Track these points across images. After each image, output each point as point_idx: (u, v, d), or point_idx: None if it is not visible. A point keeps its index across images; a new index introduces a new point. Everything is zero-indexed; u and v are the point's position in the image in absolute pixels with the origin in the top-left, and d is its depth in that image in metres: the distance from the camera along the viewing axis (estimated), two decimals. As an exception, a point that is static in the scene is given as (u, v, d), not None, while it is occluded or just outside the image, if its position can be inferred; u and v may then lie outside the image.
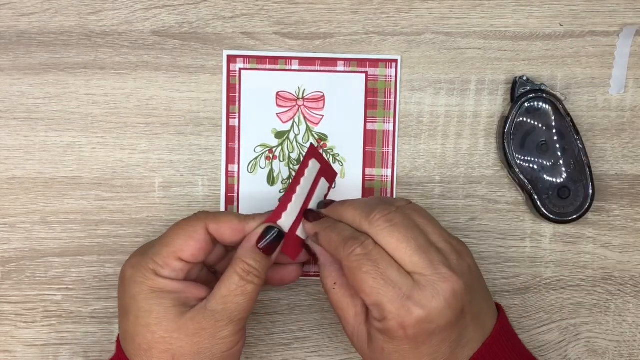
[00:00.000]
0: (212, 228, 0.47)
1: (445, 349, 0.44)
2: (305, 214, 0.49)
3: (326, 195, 0.52)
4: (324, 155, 0.54)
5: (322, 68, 0.54)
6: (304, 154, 0.55)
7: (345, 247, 0.44)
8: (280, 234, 0.47)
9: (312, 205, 0.50)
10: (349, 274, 0.44)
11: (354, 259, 0.44)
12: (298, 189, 0.48)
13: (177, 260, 0.46)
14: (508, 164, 0.54)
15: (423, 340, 0.43)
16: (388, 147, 0.55)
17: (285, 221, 0.48)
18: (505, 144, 0.53)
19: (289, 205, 0.48)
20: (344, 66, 0.54)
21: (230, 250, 0.50)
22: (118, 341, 0.48)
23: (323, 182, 0.51)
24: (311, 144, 0.54)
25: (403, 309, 0.42)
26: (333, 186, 0.54)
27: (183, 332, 0.45)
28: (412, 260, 0.43)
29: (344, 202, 0.48)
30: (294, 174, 0.54)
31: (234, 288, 0.45)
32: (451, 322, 0.43)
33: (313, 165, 0.50)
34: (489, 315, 0.47)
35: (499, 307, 0.48)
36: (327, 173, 0.52)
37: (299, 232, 0.49)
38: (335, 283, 0.47)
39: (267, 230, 0.47)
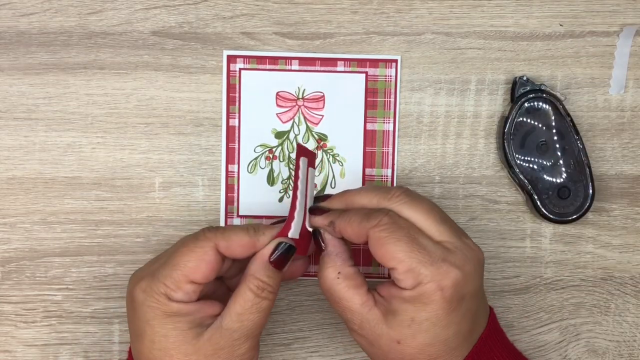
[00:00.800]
0: (222, 247, 0.46)
1: (469, 320, 0.45)
2: (312, 210, 0.49)
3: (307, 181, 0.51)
4: (308, 147, 0.53)
5: (322, 68, 0.54)
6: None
7: (370, 219, 0.44)
8: (291, 247, 0.47)
9: (311, 195, 0.50)
10: (378, 245, 0.44)
11: (383, 228, 0.44)
12: (299, 193, 0.48)
13: (189, 283, 0.45)
14: (508, 164, 0.54)
15: (455, 306, 0.43)
16: (388, 147, 0.55)
17: (295, 230, 0.48)
18: (505, 144, 0.53)
19: (296, 213, 0.48)
20: (344, 66, 0.54)
21: (240, 261, 0.49)
22: (130, 355, 0.47)
23: (311, 171, 0.50)
24: (298, 143, 0.54)
25: (439, 271, 0.43)
26: (316, 168, 0.54)
27: (202, 354, 0.45)
28: (439, 229, 0.44)
29: (350, 190, 0.48)
30: (294, 173, 0.54)
31: (249, 306, 0.45)
32: (476, 291, 0.45)
33: (303, 164, 0.49)
34: (487, 304, 0.49)
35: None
36: (311, 160, 0.51)
37: (307, 226, 0.49)
38: (339, 273, 0.46)
39: (279, 244, 0.47)
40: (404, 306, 0.44)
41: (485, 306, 0.48)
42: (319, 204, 0.49)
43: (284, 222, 0.48)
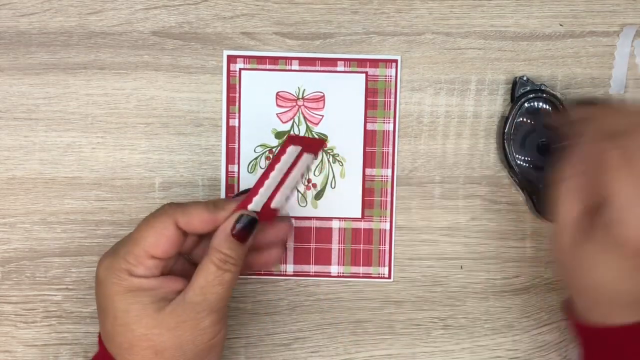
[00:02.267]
0: (182, 222, 0.46)
1: None
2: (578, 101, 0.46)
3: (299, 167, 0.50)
4: (308, 135, 0.53)
5: (322, 68, 0.54)
6: (304, 154, 0.55)
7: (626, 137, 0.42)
8: (253, 220, 0.46)
9: (290, 182, 0.49)
10: (619, 164, 0.42)
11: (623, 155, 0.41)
12: (271, 175, 0.47)
13: (150, 258, 0.45)
14: (508, 164, 0.53)
15: None
16: (388, 147, 0.55)
17: (255, 205, 0.47)
18: (505, 144, 0.53)
19: (260, 190, 0.47)
20: (344, 66, 0.54)
21: (204, 237, 0.48)
22: (100, 339, 0.48)
23: (306, 156, 0.50)
24: (289, 134, 0.54)
25: None
26: (319, 156, 0.54)
27: (164, 327, 0.44)
28: None
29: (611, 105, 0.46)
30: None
31: (211, 278, 0.45)
32: None
33: (291, 151, 0.48)
34: None
35: None
36: (312, 147, 0.51)
37: (274, 205, 0.48)
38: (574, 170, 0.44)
39: (240, 217, 0.46)
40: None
41: None
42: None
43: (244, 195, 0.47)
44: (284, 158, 0.48)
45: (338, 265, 0.55)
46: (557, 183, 0.45)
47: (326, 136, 0.55)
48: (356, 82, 0.54)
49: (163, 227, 0.45)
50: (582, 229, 0.44)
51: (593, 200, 0.43)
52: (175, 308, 0.45)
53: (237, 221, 0.46)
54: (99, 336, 0.48)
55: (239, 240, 0.46)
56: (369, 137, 0.55)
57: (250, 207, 0.47)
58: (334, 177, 0.55)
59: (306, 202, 0.55)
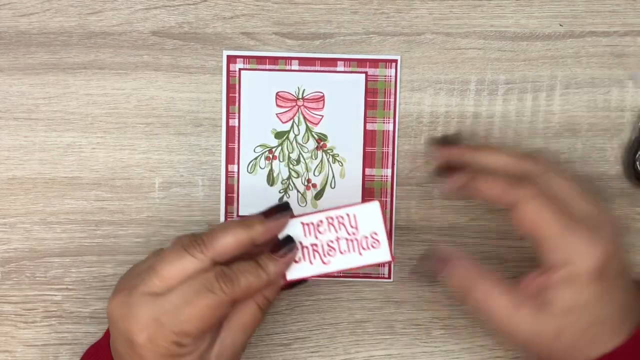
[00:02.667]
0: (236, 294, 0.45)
1: (628, 295, 0.42)
2: (437, 171, 0.46)
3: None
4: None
5: (322, 68, 0.54)
6: (303, 154, 0.55)
7: (519, 188, 0.42)
8: (292, 243, 0.47)
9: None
10: (527, 217, 0.42)
11: (533, 201, 0.42)
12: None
13: (200, 332, 0.44)
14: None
15: (612, 282, 0.41)
16: (388, 147, 0.55)
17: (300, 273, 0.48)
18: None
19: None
20: (344, 66, 0.54)
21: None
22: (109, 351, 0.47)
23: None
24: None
25: (595, 246, 0.41)
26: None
27: None
28: (586, 203, 0.42)
29: (486, 146, 0.47)
30: (294, 174, 0.55)
31: (258, 320, 0.46)
32: (627, 264, 0.43)
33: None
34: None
35: None
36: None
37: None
38: (473, 281, 0.44)
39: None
40: (559, 293, 0.41)
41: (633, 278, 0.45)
42: (441, 167, 0.46)
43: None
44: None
45: (338, 265, 0.55)
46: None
47: (326, 136, 0.55)
48: (356, 82, 0.54)
49: (218, 306, 0.43)
50: (530, 308, 0.42)
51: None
52: (219, 356, 0.45)
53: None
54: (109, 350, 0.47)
55: (287, 289, 0.48)
56: (369, 137, 0.55)
57: (293, 275, 0.47)
58: (333, 177, 0.55)
59: (306, 202, 0.55)
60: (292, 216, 0.47)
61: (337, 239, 0.47)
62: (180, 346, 0.43)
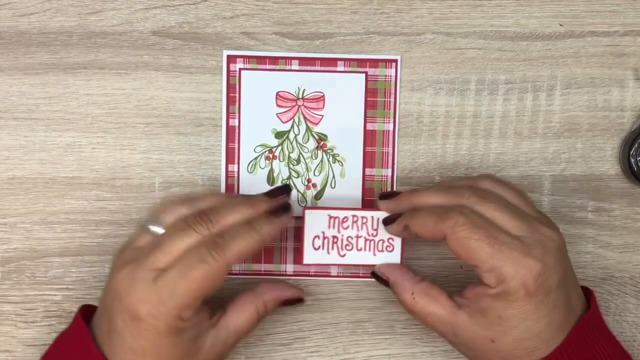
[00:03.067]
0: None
1: (560, 311, 0.45)
2: (384, 221, 0.51)
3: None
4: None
5: (322, 68, 0.54)
6: (303, 154, 0.55)
7: (445, 219, 0.45)
8: (301, 300, 0.52)
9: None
10: (458, 245, 0.45)
11: (460, 229, 0.44)
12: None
13: (200, 301, 0.45)
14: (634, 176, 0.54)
15: (542, 299, 0.44)
16: (388, 147, 0.55)
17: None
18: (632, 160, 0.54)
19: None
20: (344, 66, 0.54)
21: None
22: (86, 329, 0.47)
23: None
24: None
25: (522, 266, 0.43)
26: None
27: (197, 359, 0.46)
28: (514, 224, 0.45)
29: (418, 190, 0.49)
30: (294, 174, 0.55)
31: (254, 323, 0.49)
32: (561, 280, 0.45)
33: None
34: (579, 287, 0.48)
35: (588, 291, 0.49)
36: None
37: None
38: (412, 293, 0.48)
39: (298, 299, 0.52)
40: (492, 304, 0.45)
41: (577, 291, 0.47)
42: (389, 216, 0.51)
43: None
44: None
45: (338, 266, 0.55)
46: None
47: (326, 136, 0.55)
48: (356, 82, 0.55)
49: (220, 276, 0.45)
50: (463, 314, 0.46)
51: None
52: (212, 347, 0.46)
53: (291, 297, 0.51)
54: (85, 327, 0.47)
55: (281, 305, 0.51)
56: (369, 137, 0.55)
57: (310, 260, 0.52)
58: (333, 177, 0.55)
59: (306, 201, 0.55)
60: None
61: (357, 237, 0.51)
62: (181, 320, 0.44)
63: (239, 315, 0.48)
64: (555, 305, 0.45)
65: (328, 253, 0.51)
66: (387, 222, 0.51)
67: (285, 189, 0.50)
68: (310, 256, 0.51)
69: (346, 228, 0.51)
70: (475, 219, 0.45)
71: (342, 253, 0.51)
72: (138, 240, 0.47)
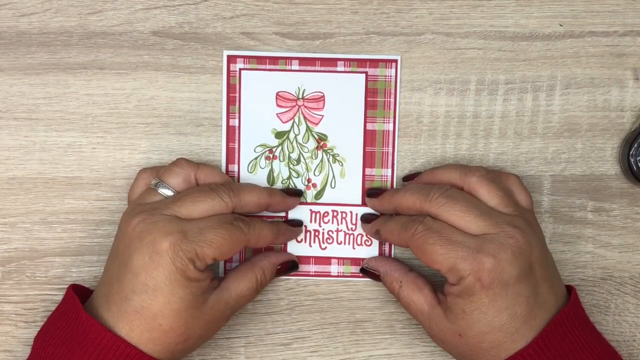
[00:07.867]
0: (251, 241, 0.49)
1: (522, 304, 0.46)
2: (362, 218, 0.54)
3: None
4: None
5: (322, 68, 0.54)
6: (304, 154, 0.55)
7: (407, 229, 0.48)
8: (295, 265, 0.54)
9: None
10: (418, 251, 0.47)
11: (418, 236, 0.47)
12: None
13: (213, 260, 0.47)
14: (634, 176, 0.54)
15: (499, 292, 0.45)
16: (388, 147, 0.55)
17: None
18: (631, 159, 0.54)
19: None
20: (344, 66, 0.54)
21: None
22: (72, 295, 0.48)
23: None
24: None
25: (475, 262, 0.45)
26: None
27: (202, 319, 0.47)
28: (478, 225, 0.47)
29: (398, 191, 0.51)
30: (294, 174, 0.55)
31: (252, 289, 0.50)
32: (521, 275, 0.46)
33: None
34: (561, 285, 0.49)
35: (569, 288, 0.50)
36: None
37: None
38: (400, 282, 0.51)
39: (290, 261, 0.54)
40: (455, 301, 0.47)
41: (552, 287, 0.48)
42: (368, 213, 0.54)
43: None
44: None
45: (338, 265, 0.55)
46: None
47: (326, 136, 0.55)
48: (356, 82, 0.55)
49: (237, 242, 0.48)
50: (439, 309, 0.49)
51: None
52: (214, 305, 0.48)
53: (286, 263, 0.53)
54: (71, 290, 0.49)
55: (277, 274, 0.53)
56: (369, 137, 0.55)
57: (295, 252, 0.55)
58: (333, 177, 0.55)
59: (306, 201, 0.55)
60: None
61: (337, 231, 0.54)
62: (195, 268, 0.46)
63: (238, 282, 0.50)
64: (516, 298, 0.46)
65: (310, 246, 0.54)
66: (363, 220, 0.54)
67: (298, 192, 0.54)
68: (294, 248, 0.54)
69: (327, 222, 0.54)
70: (433, 224, 0.47)
71: (323, 246, 0.54)
72: (147, 197, 0.49)
